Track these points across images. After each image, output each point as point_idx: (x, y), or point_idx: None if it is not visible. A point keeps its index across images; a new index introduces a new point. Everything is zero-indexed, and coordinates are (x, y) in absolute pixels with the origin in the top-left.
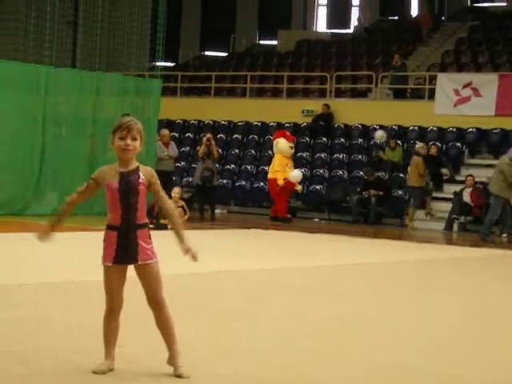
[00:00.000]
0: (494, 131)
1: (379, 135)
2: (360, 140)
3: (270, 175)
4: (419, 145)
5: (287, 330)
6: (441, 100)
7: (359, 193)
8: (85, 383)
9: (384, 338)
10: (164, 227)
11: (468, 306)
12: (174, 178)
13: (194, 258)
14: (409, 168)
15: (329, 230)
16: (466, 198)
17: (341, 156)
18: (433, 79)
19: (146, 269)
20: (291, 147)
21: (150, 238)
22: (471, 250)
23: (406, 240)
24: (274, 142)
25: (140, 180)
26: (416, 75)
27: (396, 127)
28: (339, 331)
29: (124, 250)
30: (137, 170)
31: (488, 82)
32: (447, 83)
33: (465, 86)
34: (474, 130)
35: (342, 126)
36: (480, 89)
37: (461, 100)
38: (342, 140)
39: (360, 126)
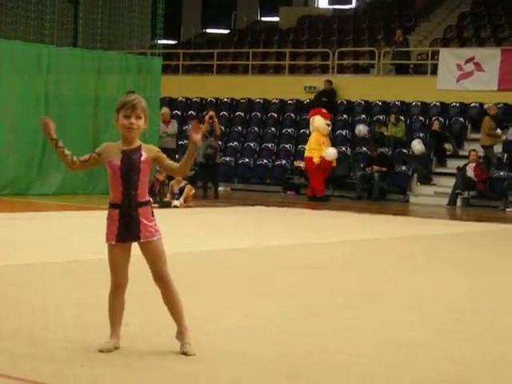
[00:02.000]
0: (497, 106)
1: (359, 130)
2: (363, 116)
3: (306, 153)
4: (489, 105)
5: (293, 308)
6: (443, 75)
7: (362, 169)
8: (91, 362)
9: (391, 316)
10: (167, 205)
11: (475, 281)
12: (177, 156)
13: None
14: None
15: (333, 207)
16: (470, 173)
17: (344, 132)
18: (435, 54)
19: (150, 246)
20: (328, 124)
21: (152, 216)
22: (476, 225)
23: (410, 215)
24: (311, 119)
25: (142, 158)
26: (418, 50)
27: (398, 103)
28: (345, 309)
29: (126, 227)
30: (139, 148)
31: (491, 57)
32: (450, 58)
33: (467, 61)
34: (477, 104)
35: (345, 102)
36: (483, 63)
37: (463, 75)
38: (345, 116)
39: (363, 101)
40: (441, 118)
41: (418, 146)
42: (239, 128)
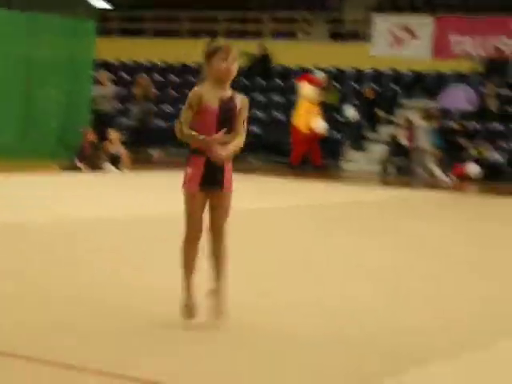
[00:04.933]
0: (430, 74)
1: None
2: None
3: (294, 121)
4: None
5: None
6: (377, 41)
7: None
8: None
9: (337, 286)
10: (100, 168)
11: (408, 247)
12: (113, 119)
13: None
14: None
15: (265, 172)
16: (402, 139)
17: (278, 98)
18: (369, 21)
19: (225, 196)
20: (318, 93)
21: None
22: (406, 191)
23: (340, 181)
24: (299, 85)
25: (237, 108)
26: (353, 17)
27: (333, 69)
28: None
29: (212, 175)
30: (233, 97)
31: (424, 25)
32: (383, 25)
33: (401, 28)
34: (410, 72)
35: (279, 67)
36: (416, 31)
37: (397, 42)
38: (279, 81)
39: (297, 67)
40: (374, 85)
41: (350, 111)
42: (172, 92)
